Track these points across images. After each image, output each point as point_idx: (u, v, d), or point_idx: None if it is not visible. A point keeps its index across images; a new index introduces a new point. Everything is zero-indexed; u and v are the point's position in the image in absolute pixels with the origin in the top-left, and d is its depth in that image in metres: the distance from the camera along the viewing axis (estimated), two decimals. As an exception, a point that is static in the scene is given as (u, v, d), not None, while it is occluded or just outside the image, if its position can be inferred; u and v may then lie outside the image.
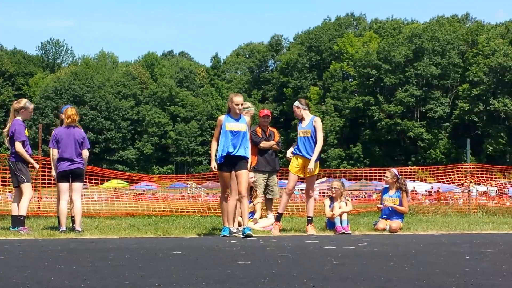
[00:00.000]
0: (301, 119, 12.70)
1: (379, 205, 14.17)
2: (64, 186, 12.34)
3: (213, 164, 11.60)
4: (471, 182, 23.75)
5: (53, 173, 12.65)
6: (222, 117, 11.72)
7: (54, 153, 12.39)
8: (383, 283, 5.69)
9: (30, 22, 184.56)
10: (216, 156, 11.59)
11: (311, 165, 12.38)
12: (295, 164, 12.63)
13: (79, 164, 12.26)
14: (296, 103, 12.80)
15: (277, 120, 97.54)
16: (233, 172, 11.64)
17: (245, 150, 11.62)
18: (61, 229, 12.06)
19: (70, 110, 12.44)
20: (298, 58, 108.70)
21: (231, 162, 11.56)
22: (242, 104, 11.71)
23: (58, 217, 12.39)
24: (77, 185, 12.21)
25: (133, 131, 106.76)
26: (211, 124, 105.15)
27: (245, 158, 11.60)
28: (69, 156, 12.17)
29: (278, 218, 12.77)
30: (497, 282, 5.82)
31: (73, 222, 12.42)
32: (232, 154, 11.48)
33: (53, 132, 12.52)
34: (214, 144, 11.71)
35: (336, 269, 6.76)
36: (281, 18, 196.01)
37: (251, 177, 13.32)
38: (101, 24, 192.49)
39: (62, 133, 12.26)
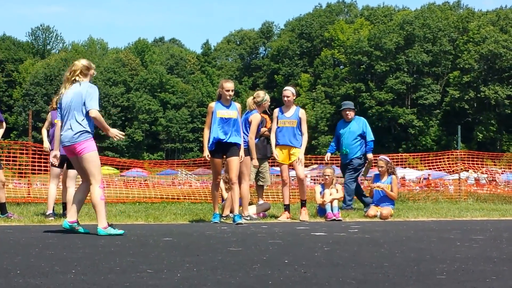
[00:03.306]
0: (285, 108, 12.65)
1: (372, 185, 14.10)
2: (55, 170, 12.29)
3: (206, 153, 11.45)
4: (468, 170, 23.83)
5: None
6: (212, 104, 11.57)
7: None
8: (373, 269, 5.70)
9: (20, 8, 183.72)
10: (208, 144, 11.46)
11: (301, 155, 12.39)
12: (280, 154, 12.60)
13: None
14: (292, 89, 12.71)
15: (268, 106, 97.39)
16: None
17: (237, 137, 11.51)
18: (47, 213, 12.02)
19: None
20: (289, 45, 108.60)
21: (223, 149, 11.47)
22: (232, 90, 11.53)
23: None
24: (73, 172, 11.88)
25: (123, 118, 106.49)
26: (202, 111, 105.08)
27: (236, 145, 11.51)
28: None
29: (286, 208, 12.71)
30: (487, 268, 5.84)
31: (64, 208, 12.36)
32: (223, 141, 11.37)
33: (50, 113, 12.47)
34: (206, 132, 11.59)
35: (327, 256, 6.78)
36: (272, 5, 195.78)
37: None
38: (91, 10, 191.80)
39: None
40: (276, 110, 12.53)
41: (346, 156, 15.36)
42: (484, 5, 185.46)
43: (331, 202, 12.82)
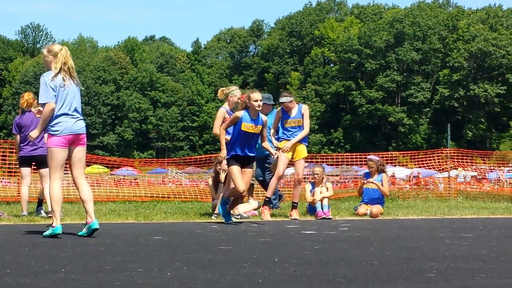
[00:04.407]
0: (289, 110, 12.56)
1: (364, 180, 14.08)
2: (25, 171, 12.23)
3: (224, 154, 11.15)
4: (457, 168, 23.87)
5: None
6: (240, 114, 10.85)
7: (17, 139, 12.22)
8: (363, 267, 5.72)
9: (9, 7, 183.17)
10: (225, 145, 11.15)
11: (289, 143, 12.28)
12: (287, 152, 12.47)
13: (43, 149, 11.30)
14: (288, 99, 12.49)
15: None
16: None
17: (254, 150, 11.13)
18: (22, 214, 11.97)
19: (27, 95, 12.26)
20: (279, 43, 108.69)
21: (239, 160, 10.96)
22: (261, 100, 10.99)
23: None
24: (45, 171, 11.47)
25: (113, 117, 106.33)
26: (192, 109, 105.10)
27: (253, 158, 11.16)
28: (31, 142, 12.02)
29: (266, 202, 12.52)
30: (476, 266, 5.86)
31: (39, 204, 12.35)
32: (241, 155, 10.93)
33: (14, 119, 12.41)
34: (223, 132, 11.27)
35: (317, 254, 6.79)
36: (262, 3, 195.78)
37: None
38: (81, 8, 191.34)
39: (23, 119, 12.09)
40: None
41: (261, 150, 14.98)
42: (473, 3, 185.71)
43: (321, 200, 12.83)
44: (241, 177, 10.80)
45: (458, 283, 4.92)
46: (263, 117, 11.04)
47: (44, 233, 8.28)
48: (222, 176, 12.89)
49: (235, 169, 10.81)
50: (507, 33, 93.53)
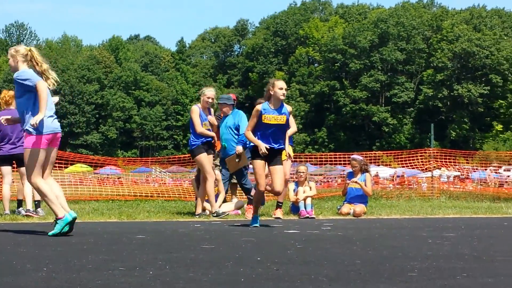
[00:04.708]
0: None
1: (348, 180, 14.12)
2: (5, 169, 12.19)
3: (263, 148, 10.11)
4: (440, 168, 23.95)
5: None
6: (259, 107, 10.25)
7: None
8: (346, 266, 5.73)
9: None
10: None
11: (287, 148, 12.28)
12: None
13: (23, 148, 11.56)
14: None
15: (242, 104, 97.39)
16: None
17: (283, 142, 10.51)
18: (4, 213, 11.92)
19: (4, 93, 12.18)
20: (263, 42, 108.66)
21: (271, 154, 10.25)
22: (285, 88, 10.50)
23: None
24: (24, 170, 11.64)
25: (97, 116, 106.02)
26: (176, 108, 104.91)
27: (280, 152, 10.45)
28: (11, 140, 11.97)
29: (250, 201, 12.46)
30: (458, 266, 5.88)
31: (19, 206, 12.28)
32: (275, 148, 10.27)
33: None
34: (250, 133, 10.35)
35: (300, 253, 6.80)
36: (247, 3, 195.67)
37: (214, 160, 13.26)
38: (65, 7, 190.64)
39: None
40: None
41: (225, 150, 14.88)
42: (457, 3, 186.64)
43: (305, 199, 12.86)
44: (263, 175, 10.30)
45: (440, 282, 4.93)
46: (287, 106, 10.54)
47: (50, 232, 8.18)
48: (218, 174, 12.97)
49: (258, 164, 10.24)
50: (490, 34, 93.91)
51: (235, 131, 13.48)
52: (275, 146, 10.24)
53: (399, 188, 26.03)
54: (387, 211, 14.43)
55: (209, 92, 12.56)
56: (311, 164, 32.58)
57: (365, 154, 23.11)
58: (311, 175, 31.90)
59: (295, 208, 13.19)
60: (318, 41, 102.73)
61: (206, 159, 12.33)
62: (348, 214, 13.34)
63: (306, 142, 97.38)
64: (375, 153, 28.69)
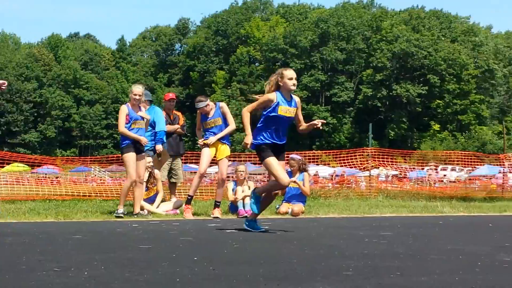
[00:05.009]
0: (207, 113, 12.48)
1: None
2: None
3: (249, 140, 9.47)
4: (378, 167, 24.17)
5: None
6: (273, 96, 9.18)
7: None
8: (282, 265, 5.75)
9: None
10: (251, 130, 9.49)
11: (213, 139, 12.23)
12: (211, 150, 12.41)
13: None
14: (203, 103, 12.39)
15: (183, 103, 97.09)
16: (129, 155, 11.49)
17: (285, 137, 9.58)
18: None
19: None
20: (204, 41, 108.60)
21: (275, 150, 9.34)
22: (295, 78, 9.28)
23: None
24: None
25: (35, 114, 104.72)
26: (116, 107, 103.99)
27: (283, 147, 9.54)
28: None
29: (189, 201, 12.44)
30: (393, 264, 5.95)
31: None
32: (273, 144, 9.34)
33: None
34: (247, 115, 9.65)
35: (237, 252, 6.81)
36: (188, 1, 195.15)
37: (148, 162, 13.14)
38: (3, 3, 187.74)
39: None
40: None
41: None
42: (397, 4, 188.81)
43: (243, 199, 12.88)
44: (282, 168, 9.30)
45: (374, 281, 4.99)
46: (296, 98, 9.45)
47: None
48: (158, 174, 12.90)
49: (273, 160, 9.13)
50: (429, 34, 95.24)
51: (151, 128, 13.41)
52: (279, 142, 9.31)
53: (337, 187, 26.20)
54: (325, 210, 14.53)
55: (136, 89, 12.34)
56: (252, 163, 32.61)
57: (305, 153, 23.28)
58: (252, 174, 31.96)
59: (233, 207, 13.21)
60: (259, 40, 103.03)
61: (131, 159, 12.11)
62: (287, 213, 13.40)
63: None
64: (315, 153, 28.78)
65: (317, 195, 20.77)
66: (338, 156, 26.82)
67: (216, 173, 14.30)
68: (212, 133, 12.36)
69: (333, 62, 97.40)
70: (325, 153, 31.87)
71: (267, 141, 9.18)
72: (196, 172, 13.18)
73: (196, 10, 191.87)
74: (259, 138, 9.22)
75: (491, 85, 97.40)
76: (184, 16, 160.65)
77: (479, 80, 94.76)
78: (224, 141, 12.48)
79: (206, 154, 12.30)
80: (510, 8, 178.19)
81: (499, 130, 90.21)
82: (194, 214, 12.49)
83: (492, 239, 8.91)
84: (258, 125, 9.32)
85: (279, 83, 9.16)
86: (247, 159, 27.76)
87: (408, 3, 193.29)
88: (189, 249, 7.05)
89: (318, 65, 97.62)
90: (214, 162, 12.86)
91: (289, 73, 9.16)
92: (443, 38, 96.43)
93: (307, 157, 22.58)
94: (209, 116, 12.39)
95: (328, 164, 35.98)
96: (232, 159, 22.86)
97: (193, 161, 22.10)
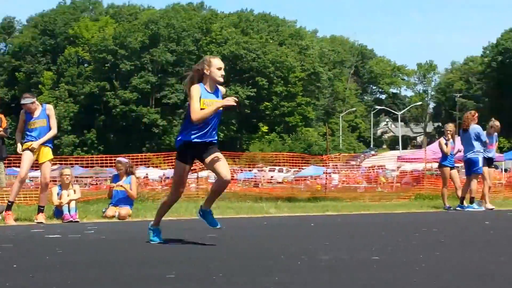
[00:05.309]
0: (32, 112, 12.30)
1: (112, 184, 14.17)
2: None
3: (231, 101, 8.35)
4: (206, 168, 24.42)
5: None
6: (197, 89, 8.10)
7: None
8: (110, 267, 5.78)
9: None
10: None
11: (36, 144, 12.05)
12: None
13: None
14: (29, 100, 12.21)
15: (8, 105, 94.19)
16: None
17: (216, 133, 8.54)
18: None
19: None
20: (31, 41, 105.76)
21: (195, 149, 8.38)
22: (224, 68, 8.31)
23: None
24: None
25: None
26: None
27: (213, 144, 8.45)
28: None
29: (9, 207, 12.16)
30: (213, 265, 6.09)
31: None
32: (199, 143, 8.31)
33: None
34: (201, 112, 8.06)
35: (59, 258, 6.77)
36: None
37: None
38: None
39: None
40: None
41: None
42: (226, 7, 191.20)
43: (69, 203, 12.71)
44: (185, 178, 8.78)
45: (194, 285, 5.11)
46: (221, 88, 8.40)
47: None
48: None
49: (184, 166, 8.59)
50: (257, 37, 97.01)
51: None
52: (207, 140, 8.28)
53: (166, 189, 26.29)
54: (153, 213, 14.53)
55: None
56: (81, 166, 32.18)
57: (135, 156, 23.20)
58: (80, 177, 31.54)
59: (58, 212, 12.99)
60: (88, 41, 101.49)
61: (23, 156, 12.10)
62: (114, 216, 13.36)
63: (75, 144, 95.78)
64: (145, 155, 28.77)
65: (145, 198, 20.73)
66: (168, 158, 26.92)
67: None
68: (33, 137, 12.14)
69: (163, 64, 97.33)
70: (155, 155, 31.90)
71: (194, 140, 8.19)
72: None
73: (21, 8, 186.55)
74: (185, 137, 8.26)
75: (317, 87, 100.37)
76: (9, 14, 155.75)
77: (305, 82, 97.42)
78: (46, 144, 12.28)
79: (27, 158, 12.09)
80: (334, 13, 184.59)
81: (324, 132, 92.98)
82: (16, 219, 12.22)
83: (313, 239, 9.25)
84: (185, 122, 8.37)
85: (205, 71, 8.12)
86: (76, 162, 27.41)
87: (238, 6, 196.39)
88: (9, 256, 6.94)
89: (149, 67, 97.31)
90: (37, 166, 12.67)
91: (218, 62, 8.20)
92: (271, 41, 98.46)
93: (137, 160, 22.55)
94: (34, 116, 12.20)
95: (159, 166, 36.02)
96: (61, 162, 22.49)
97: (17, 165, 21.56)
